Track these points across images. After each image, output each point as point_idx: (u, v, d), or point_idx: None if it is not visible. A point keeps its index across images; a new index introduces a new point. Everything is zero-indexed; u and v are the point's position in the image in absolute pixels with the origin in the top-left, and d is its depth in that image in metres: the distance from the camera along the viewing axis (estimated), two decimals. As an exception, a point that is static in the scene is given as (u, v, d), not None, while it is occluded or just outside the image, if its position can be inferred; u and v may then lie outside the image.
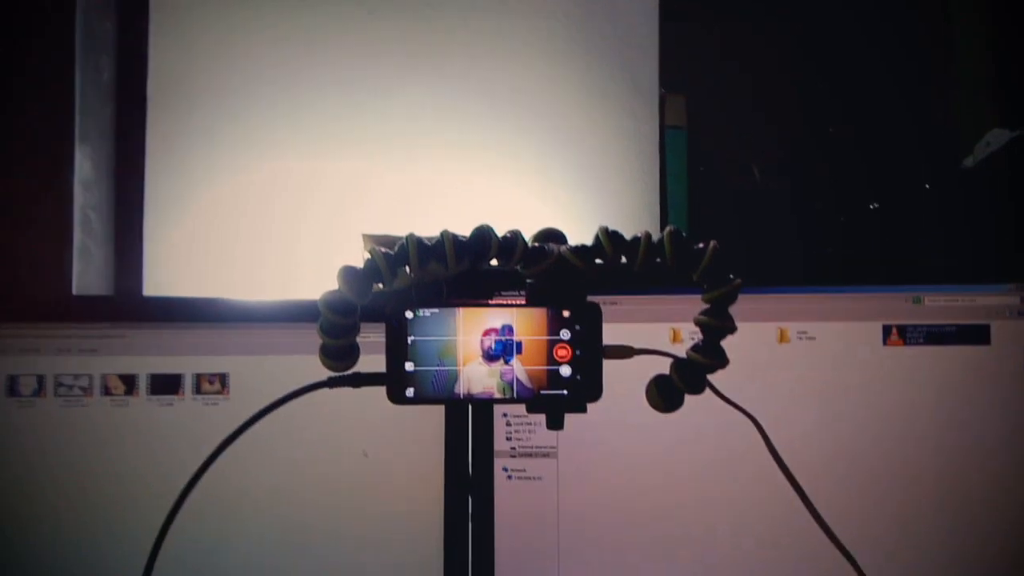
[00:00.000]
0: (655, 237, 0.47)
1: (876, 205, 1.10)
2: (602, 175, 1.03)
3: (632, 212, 1.03)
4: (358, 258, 0.48)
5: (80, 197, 0.91)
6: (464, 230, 0.47)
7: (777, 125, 1.11)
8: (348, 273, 0.46)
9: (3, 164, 0.88)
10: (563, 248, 0.48)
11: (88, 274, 0.92)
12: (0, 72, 0.89)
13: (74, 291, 0.89)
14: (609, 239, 0.47)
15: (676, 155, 1.05)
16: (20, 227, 0.88)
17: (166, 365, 0.71)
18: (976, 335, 0.71)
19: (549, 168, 1.03)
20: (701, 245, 0.47)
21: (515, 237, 0.47)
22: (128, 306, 0.74)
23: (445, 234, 0.46)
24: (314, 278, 0.94)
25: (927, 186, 1.08)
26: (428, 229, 0.47)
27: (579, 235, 0.49)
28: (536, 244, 0.48)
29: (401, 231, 0.46)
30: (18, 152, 0.88)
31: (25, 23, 0.89)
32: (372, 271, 0.46)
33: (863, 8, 1.11)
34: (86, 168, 0.92)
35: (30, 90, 0.89)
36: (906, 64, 1.11)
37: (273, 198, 0.99)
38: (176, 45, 0.99)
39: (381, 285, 0.46)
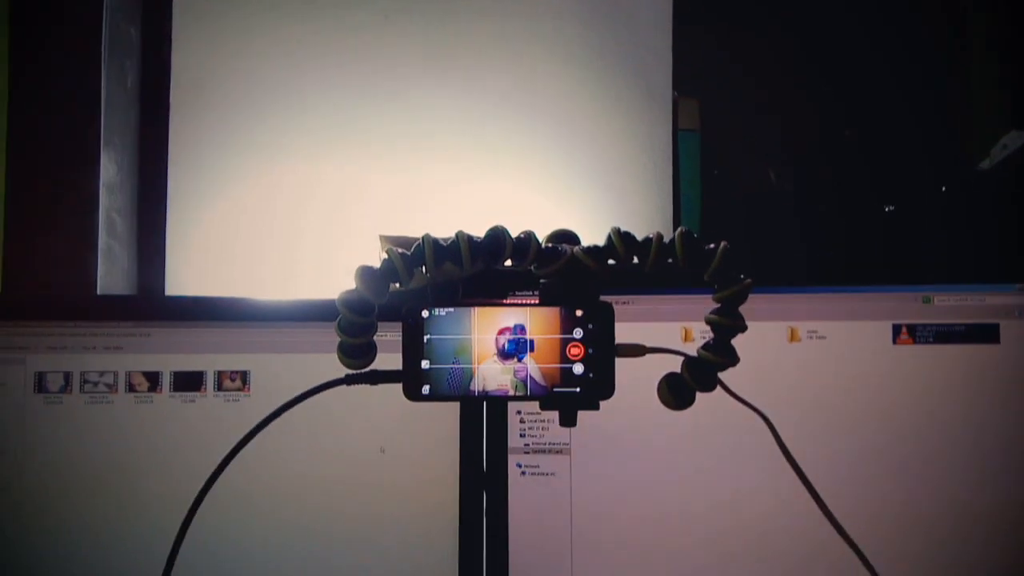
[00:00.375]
0: (667, 238, 0.47)
1: (891, 207, 1.10)
2: (615, 177, 1.04)
3: (645, 214, 1.04)
4: (375, 258, 0.48)
5: (105, 200, 0.92)
6: (479, 232, 0.48)
7: (789, 128, 1.12)
8: (366, 273, 0.47)
9: (31, 167, 0.90)
10: (576, 249, 0.48)
11: (112, 274, 0.94)
12: (28, 76, 0.91)
13: (99, 291, 0.90)
14: (621, 240, 0.48)
15: (689, 158, 1.05)
16: (48, 229, 0.89)
17: (189, 363, 0.72)
18: (986, 334, 0.72)
19: (563, 171, 1.03)
20: (712, 246, 0.47)
21: (529, 238, 0.48)
22: (151, 305, 0.76)
23: (460, 235, 0.47)
24: (336, 278, 0.95)
25: (943, 188, 1.08)
26: (444, 230, 0.48)
27: (592, 236, 0.50)
28: (549, 245, 0.49)
29: (418, 232, 0.47)
30: (46, 155, 0.90)
31: (53, 28, 0.91)
32: (389, 271, 0.47)
33: (875, 12, 1.11)
34: (111, 171, 0.94)
35: (58, 94, 0.91)
36: (918, 67, 1.11)
37: (292, 200, 1.00)
38: (197, 50, 1.01)
39: (398, 285, 0.47)
